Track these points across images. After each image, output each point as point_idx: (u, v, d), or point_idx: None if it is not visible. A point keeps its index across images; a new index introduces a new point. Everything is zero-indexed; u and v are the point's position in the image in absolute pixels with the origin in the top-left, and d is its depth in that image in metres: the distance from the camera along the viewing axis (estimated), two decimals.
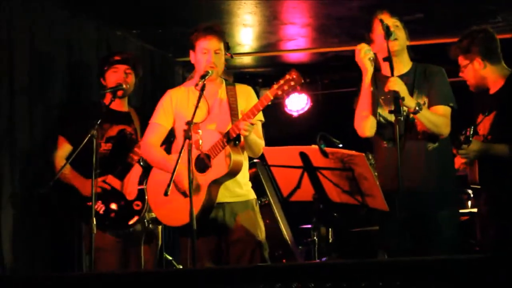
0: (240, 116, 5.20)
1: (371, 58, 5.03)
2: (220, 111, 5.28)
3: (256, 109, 4.98)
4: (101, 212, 5.67)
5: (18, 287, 3.97)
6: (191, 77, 5.68)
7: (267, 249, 5.33)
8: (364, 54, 5.01)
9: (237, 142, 5.09)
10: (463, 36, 5.37)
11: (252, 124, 4.98)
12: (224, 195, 5.21)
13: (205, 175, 5.11)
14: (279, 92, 4.91)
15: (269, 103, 4.96)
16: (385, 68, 5.08)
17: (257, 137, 5.16)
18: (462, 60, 5.35)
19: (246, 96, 5.36)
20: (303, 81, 4.94)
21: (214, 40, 5.20)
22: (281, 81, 4.92)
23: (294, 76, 4.90)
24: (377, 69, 5.14)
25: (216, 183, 5.14)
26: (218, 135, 5.09)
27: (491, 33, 5.38)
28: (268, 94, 4.93)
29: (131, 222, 5.74)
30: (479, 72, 5.30)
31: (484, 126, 5.27)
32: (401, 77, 5.06)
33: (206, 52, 5.20)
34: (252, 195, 5.38)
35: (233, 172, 5.13)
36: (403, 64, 5.15)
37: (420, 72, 5.12)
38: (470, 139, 4.94)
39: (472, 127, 5.02)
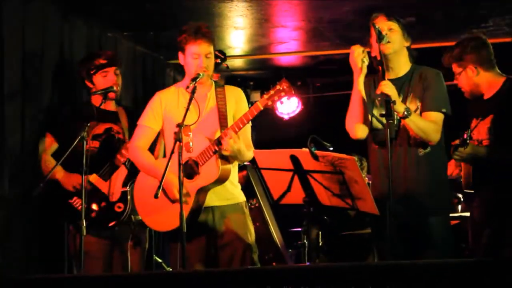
0: (229, 119, 5.21)
1: (364, 60, 5.02)
2: (209, 116, 5.25)
3: (246, 118, 4.97)
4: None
5: None
6: None
7: (256, 252, 5.31)
8: (357, 55, 5.01)
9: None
10: (455, 45, 5.38)
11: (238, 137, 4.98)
12: (212, 199, 5.19)
13: (193, 182, 5.10)
14: (269, 103, 4.92)
15: (259, 113, 4.96)
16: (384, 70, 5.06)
17: (244, 148, 5.13)
18: (455, 68, 5.35)
19: (236, 99, 5.34)
20: (293, 91, 4.94)
21: (204, 45, 5.17)
22: (271, 91, 4.92)
23: (285, 87, 4.91)
24: (377, 71, 5.11)
25: (204, 190, 5.13)
26: (207, 142, 5.08)
27: (483, 40, 5.38)
28: (258, 104, 4.93)
29: (110, 225, 5.71)
30: (472, 79, 5.30)
31: (479, 131, 5.27)
32: (398, 80, 5.06)
33: (196, 58, 5.17)
34: (241, 198, 5.36)
35: (221, 180, 5.12)
36: (401, 67, 5.13)
37: (416, 75, 5.09)
38: (468, 142, 4.94)
39: (469, 130, 5.01)
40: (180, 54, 5.27)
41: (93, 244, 5.65)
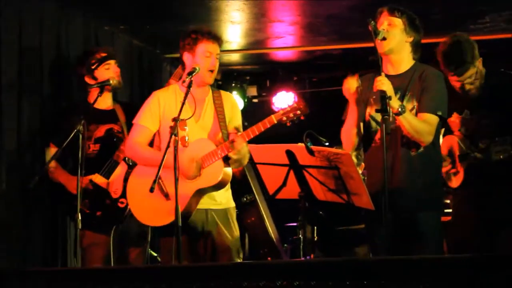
0: (227, 124, 5.28)
1: (358, 91, 5.00)
2: (209, 120, 5.31)
3: (258, 129, 5.02)
4: (87, 211, 5.62)
5: (8, 282, 3.97)
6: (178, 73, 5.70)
7: (241, 253, 5.44)
8: (350, 87, 5.01)
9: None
10: (457, 53, 5.32)
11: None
12: (207, 202, 5.24)
13: (193, 182, 5.11)
14: (284, 118, 5.01)
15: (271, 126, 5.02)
16: (384, 66, 5.00)
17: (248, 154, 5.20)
18: (472, 70, 5.32)
19: (231, 105, 5.44)
20: (308, 111, 5.00)
21: (216, 45, 5.28)
22: (288, 108, 5.01)
23: (301, 106, 5.01)
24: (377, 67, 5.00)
25: (201, 192, 5.16)
26: (211, 145, 5.11)
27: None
28: (273, 118, 5.01)
29: (116, 227, 5.75)
30: (482, 69, 5.36)
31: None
32: (398, 76, 5.00)
33: (209, 56, 5.23)
34: (231, 204, 5.43)
35: (221, 184, 5.18)
36: (401, 63, 5.05)
37: (417, 75, 5.00)
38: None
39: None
40: (186, 54, 5.28)
41: (102, 238, 5.71)
